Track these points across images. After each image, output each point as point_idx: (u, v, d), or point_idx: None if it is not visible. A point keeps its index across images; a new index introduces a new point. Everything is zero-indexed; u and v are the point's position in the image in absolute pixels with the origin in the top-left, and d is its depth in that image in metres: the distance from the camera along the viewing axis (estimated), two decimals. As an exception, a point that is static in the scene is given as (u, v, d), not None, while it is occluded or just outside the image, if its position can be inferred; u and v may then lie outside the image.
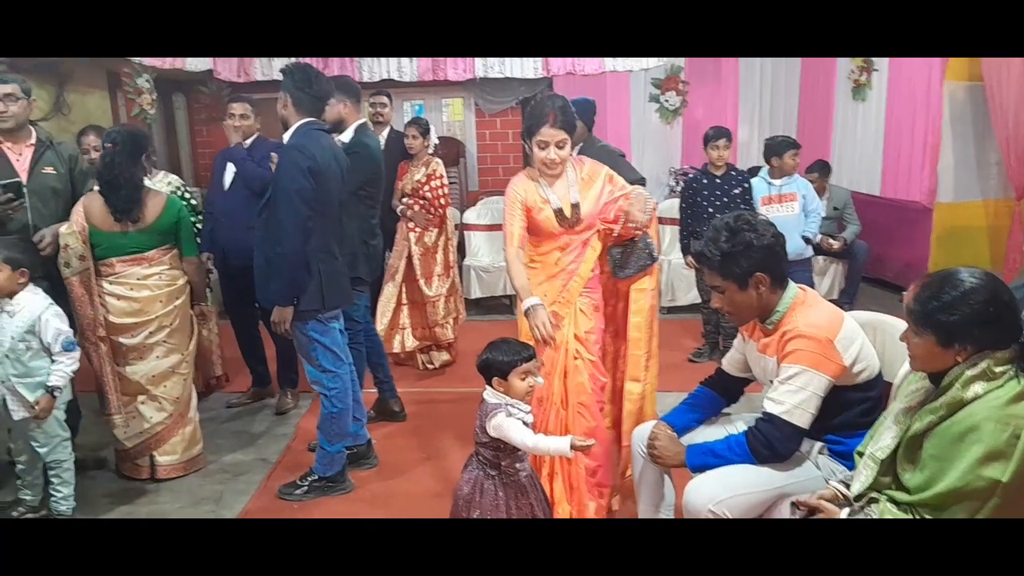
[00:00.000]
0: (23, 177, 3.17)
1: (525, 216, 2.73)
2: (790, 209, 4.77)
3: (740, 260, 2.01)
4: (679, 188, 6.84)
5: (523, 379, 2.29)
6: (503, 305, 6.22)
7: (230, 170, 4.07)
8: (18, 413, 2.80)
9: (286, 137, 3.05)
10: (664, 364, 2.99)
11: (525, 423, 2.26)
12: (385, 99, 4.90)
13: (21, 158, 3.22)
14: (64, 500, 2.94)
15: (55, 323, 2.80)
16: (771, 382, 2.07)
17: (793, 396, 1.99)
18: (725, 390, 2.39)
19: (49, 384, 2.78)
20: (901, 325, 2.17)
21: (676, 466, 2.22)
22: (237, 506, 3.22)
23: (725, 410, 2.43)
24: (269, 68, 7.17)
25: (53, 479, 2.93)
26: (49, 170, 3.23)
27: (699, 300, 5.09)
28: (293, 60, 3.32)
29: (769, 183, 4.80)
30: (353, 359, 3.40)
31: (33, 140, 3.25)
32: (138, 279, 3.24)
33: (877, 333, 2.24)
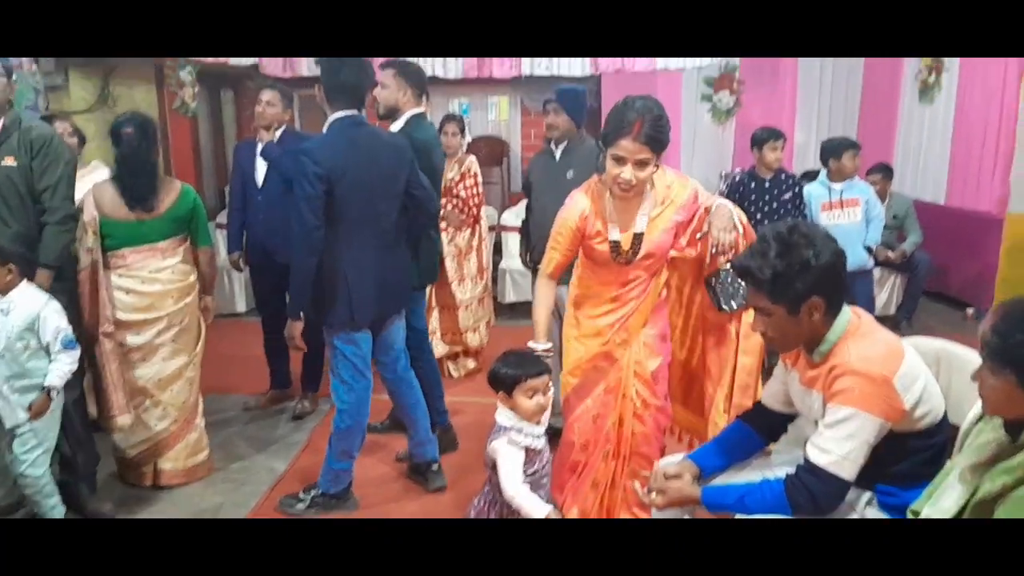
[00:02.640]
0: None
1: (576, 242, 2.39)
2: (852, 216, 4.46)
3: (794, 282, 1.71)
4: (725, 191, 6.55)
5: (530, 397, 2.10)
6: (521, 312, 6.01)
7: (262, 165, 3.96)
8: (10, 419, 2.63)
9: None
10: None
11: (533, 448, 2.07)
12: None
13: None
14: (52, 509, 2.75)
15: (55, 319, 2.66)
16: (816, 423, 1.80)
17: (842, 444, 1.70)
18: (765, 427, 2.05)
19: (46, 384, 2.64)
20: (972, 357, 1.90)
21: (680, 504, 1.93)
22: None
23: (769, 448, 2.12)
24: (315, 65, 7.12)
25: (35, 496, 2.70)
26: (8, 161, 2.81)
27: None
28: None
29: (829, 187, 4.50)
30: (424, 371, 3.32)
31: (0, 124, 2.83)
32: (150, 272, 3.11)
33: (942, 365, 1.96)
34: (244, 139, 4.18)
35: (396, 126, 3.39)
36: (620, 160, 2.21)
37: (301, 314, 2.87)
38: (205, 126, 7.38)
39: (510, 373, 2.13)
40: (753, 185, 4.41)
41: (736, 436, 2.07)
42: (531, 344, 2.37)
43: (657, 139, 2.20)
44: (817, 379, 1.79)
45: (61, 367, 2.67)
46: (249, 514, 3.11)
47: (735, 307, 2.42)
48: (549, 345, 2.38)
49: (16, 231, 2.82)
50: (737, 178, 4.60)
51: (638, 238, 2.32)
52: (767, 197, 4.37)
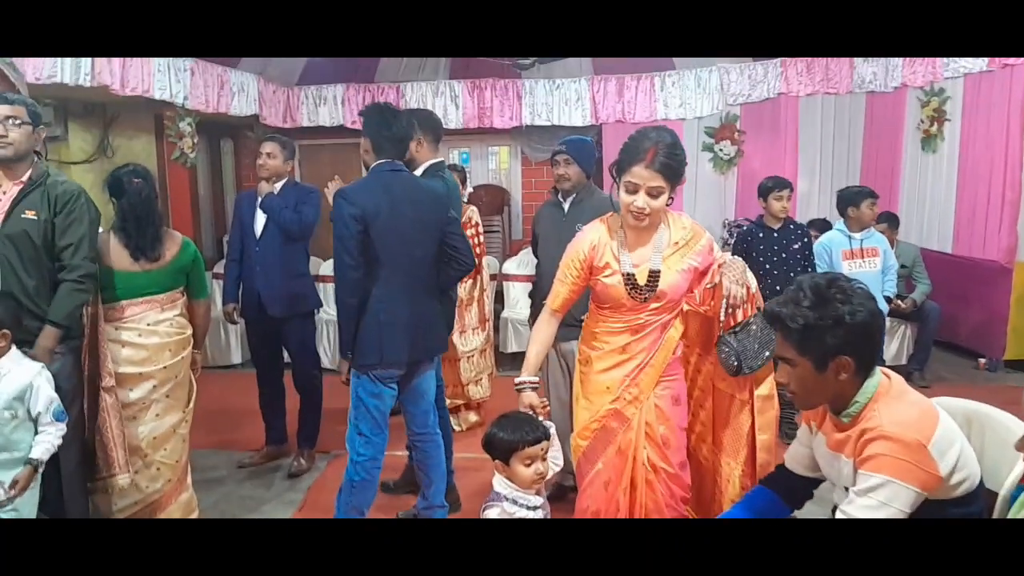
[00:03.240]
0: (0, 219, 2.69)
1: (584, 277, 2.29)
2: (872, 265, 4.39)
3: (825, 336, 1.62)
4: (733, 241, 6.49)
5: (527, 465, 1.97)
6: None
7: (261, 217, 3.90)
8: None
9: None
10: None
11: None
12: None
13: (5, 196, 2.73)
14: None
15: (47, 389, 2.51)
16: (846, 489, 1.68)
17: (874, 512, 1.57)
18: (789, 492, 1.93)
19: (33, 457, 2.46)
20: (1005, 419, 1.79)
21: None
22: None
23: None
24: (315, 114, 7.14)
25: None
26: (30, 214, 2.69)
27: None
28: (370, 102, 3.18)
29: (849, 236, 4.43)
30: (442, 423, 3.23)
31: (27, 176, 2.73)
32: (148, 324, 3.00)
33: (973, 427, 1.85)
34: (245, 190, 4.13)
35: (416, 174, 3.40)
36: (633, 188, 2.16)
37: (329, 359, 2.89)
38: (204, 176, 7.36)
39: (506, 439, 2.00)
40: (762, 235, 4.34)
41: (759, 503, 1.94)
42: (517, 380, 2.29)
43: (671, 168, 2.14)
44: (846, 443, 1.67)
45: (50, 439, 2.50)
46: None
47: (752, 369, 2.27)
48: (536, 379, 2.30)
49: (25, 286, 2.69)
50: (745, 228, 4.53)
51: (654, 275, 2.22)
52: (776, 247, 4.29)
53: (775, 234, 4.31)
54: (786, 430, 4.32)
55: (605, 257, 2.26)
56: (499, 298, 6.28)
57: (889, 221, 5.52)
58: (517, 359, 5.90)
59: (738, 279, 2.22)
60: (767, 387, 2.33)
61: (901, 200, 6.70)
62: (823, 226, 5.53)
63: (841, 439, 1.69)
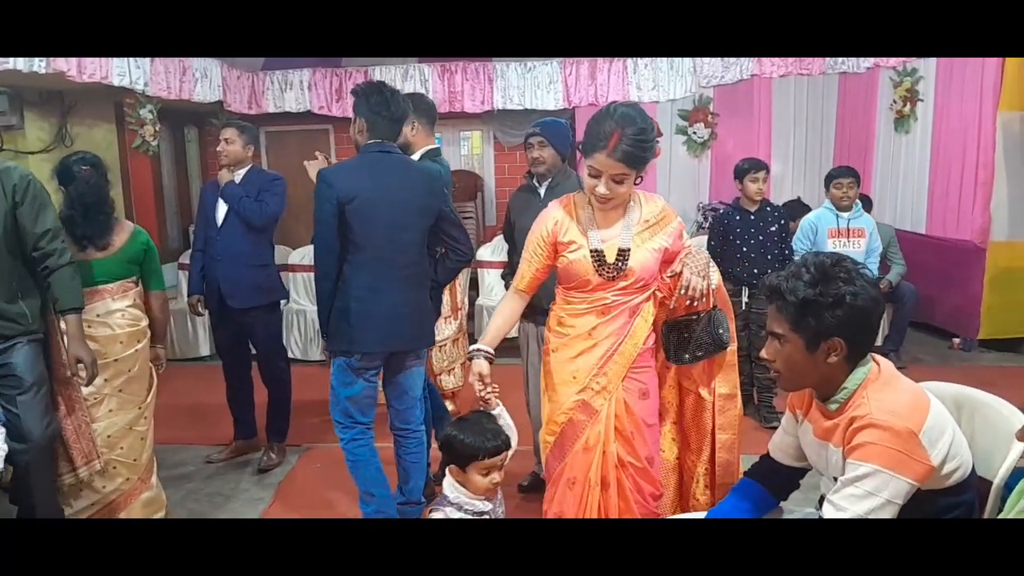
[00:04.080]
0: None
1: (550, 255, 2.21)
2: (857, 246, 4.36)
3: (822, 315, 1.55)
4: (708, 224, 6.44)
5: (484, 475, 1.90)
6: (517, 348, 5.79)
7: (222, 206, 3.76)
8: None
9: None
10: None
11: None
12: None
13: None
14: None
15: None
16: (835, 479, 1.62)
17: (862, 503, 1.51)
18: (775, 483, 1.85)
19: None
20: (995, 403, 1.74)
21: None
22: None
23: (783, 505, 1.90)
24: (281, 100, 6.94)
25: None
26: None
27: None
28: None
29: (837, 215, 4.39)
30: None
31: None
32: (97, 315, 2.89)
33: (963, 412, 1.79)
34: (211, 179, 3.99)
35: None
36: (595, 173, 2.07)
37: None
38: (168, 165, 7.16)
39: (466, 445, 1.90)
40: (738, 218, 4.28)
41: (743, 494, 1.86)
42: (470, 347, 2.25)
43: (636, 156, 2.03)
44: (834, 431, 1.61)
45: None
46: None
47: (681, 361, 2.21)
48: (490, 349, 2.23)
49: None
50: (721, 211, 4.47)
51: (623, 253, 2.14)
52: (752, 230, 4.24)
53: (752, 216, 4.27)
54: (765, 414, 4.29)
55: (570, 234, 2.17)
56: (473, 285, 6.17)
57: (864, 202, 5.50)
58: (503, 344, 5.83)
59: (700, 271, 2.13)
60: (728, 386, 2.27)
61: (875, 181, 6.69)
62: (799, 208, 5.49)
63: (829, 427, 1.63)
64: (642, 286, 2.17)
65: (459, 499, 1.91)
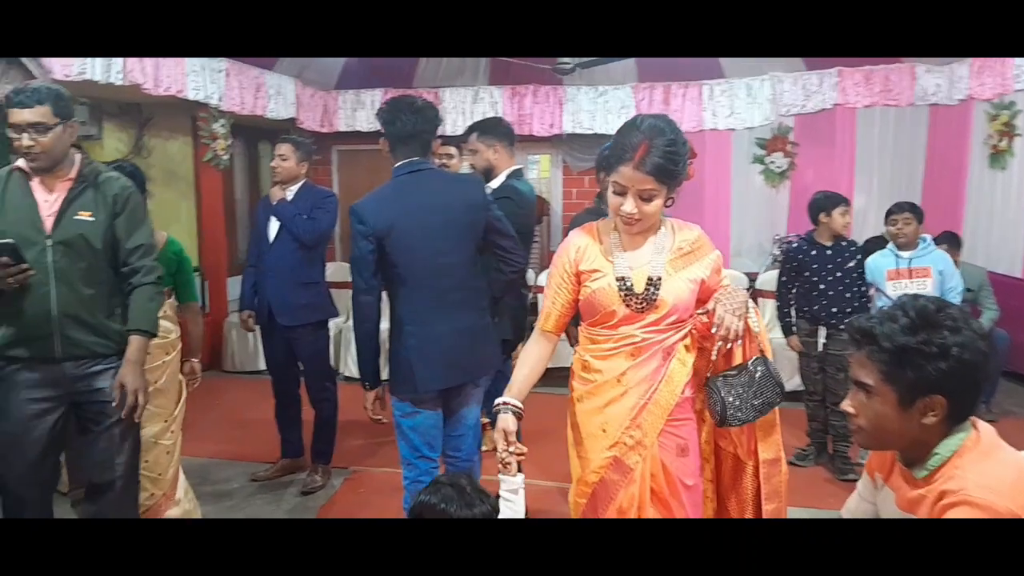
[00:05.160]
0: (48, 224, 2.39)
1: (574, 289, 1.99)
2: (921, 287, 3.99)
3: (922, 367, 1.31)
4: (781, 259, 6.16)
5: None
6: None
7: (274, 223, 3.74)
8: None
9: None
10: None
11: None
12: (453, 150, 4.44)
13: (51, 198, 2.42)
14: None
15: None
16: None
17: None
18: None
19: None
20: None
21: None
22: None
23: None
24: (353, 119, 7.00)
25: None
26: (84, 215, 2.42)
27: (802, 388, 4.33)
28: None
29: (897, 255, 4.06)
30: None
31: (73, 174, 2.44)
32: None
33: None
34: (265, 195, 3.98)
35: (495, 183, 3.26)
36: (620, 190, 1.85)
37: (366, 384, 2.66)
38: (241, 179, 7.27)
39: (451, 517, 1.60)
40: (814, 253, 4.02)
41: None
42: (497, 400, 1.99)
43: (666, 169, 1.81)
44: (920, 503, 1.37)
45: None
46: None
47: (741, 421, 1.92)
48: (518, 403, 1.97)
49: (82, 299, 2.42)
50: (795, 245, 4.20)
51: (654, 282, 1.91)
52: (830, 266, 3.97)
53: (828, 251, 4.00)
54: (840, 465, 3.99)
55: (593, 261, 1.96)
56: (533, 310, 6.02)
57: (949, 241, 5.12)
58: (552, 374, 5.64)
59: (735, 310, 1.88)
60: (773, 450, 1.99)
61: (966, 219, 6.28)
62: (880, 245, 5.16)
63: (914, 498, 1.39)
64: (676, 321, 1.93)
65: None
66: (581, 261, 1.97)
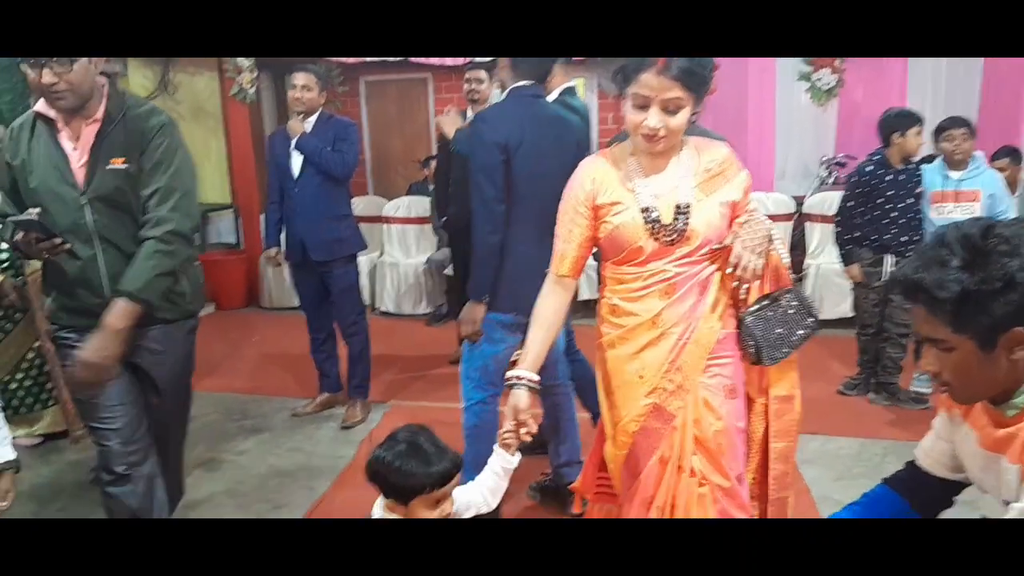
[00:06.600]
0: (79, 178, 2.05)
1: (592, 225, 1.79)
2: (967, 211, 3.73)
3: (991, 306, 1.14)
4: (831, 180, 5.90)
5: (434, 507, 1.51)
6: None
7: (297, 157, 3.62)
8: None
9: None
10: (804, 397, 1.94)
11: None
12: (483, 74, 4.20)
13: (79, 147, 2.06)
14: None
15: None
16: (1006, 503, 1.26)
17: None
18: (920, 498, 1.46)
19: (9, 459, 1.89)
20: None
21: None
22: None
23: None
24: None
25: None
26: (117, 163, 2.05)
27: (847, 316, 4.14)
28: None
29: (945, 176, 3.78)
30: (577, 371, 2.91)
31: (101, 111, 2.05)
32: None
33: None
34: (278, 128, 3.86)
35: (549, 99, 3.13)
36: (642, 102, 1.65)
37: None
38: (270, 113, 7.14)
39: (407, 475, 1.48)
40: (889, 178, 3.74)
41: (879, 507, 1.48)
42: (510, 372, 1.84)
43: (693, 73, 1.61)
44: (1008, 443, 1.24)
45: (6, 432, 1.93)
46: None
47: (776, 358, 1.79)
48: (535, 376, 1.81)
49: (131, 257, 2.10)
50: (868, 168, 3.85)
51: (683, 212, 1.72)
52: (902, 192, 3.70)
53: (901, 176, 3.73)
54: (889, 396, 3.82)
55: (612, 192, 1.76)
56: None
57: (1012, 156, 4.80)
58: (591, 306, 5.52)
59: (755, 246, 1.72)
60: (786, 386, 1.86)
61: (1028, 134, 5.93)
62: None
63: (1002, 437, 1.25)
64: (710, 252, 1.75)
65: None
66: (598, 193, 1.77)
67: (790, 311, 1.79)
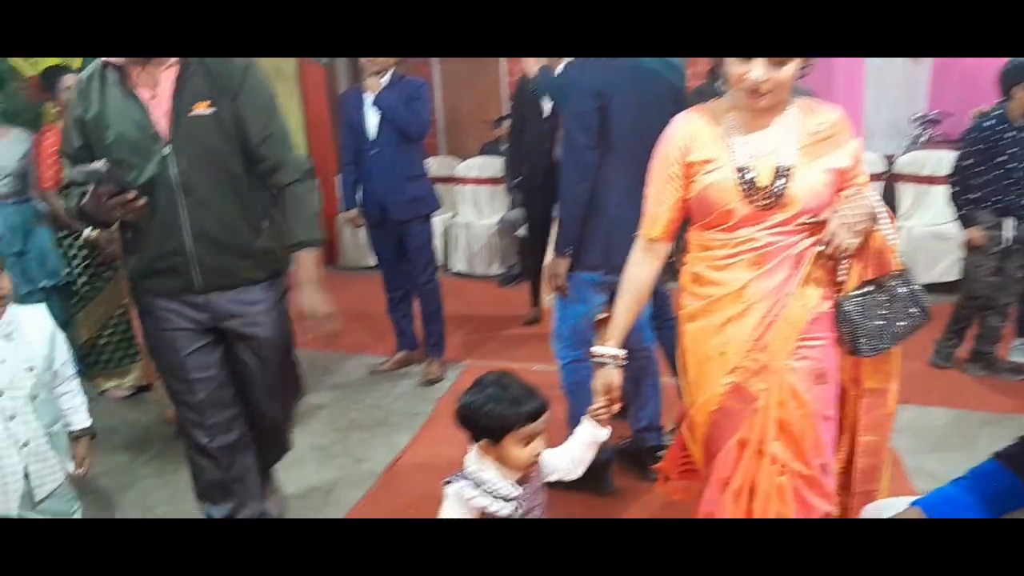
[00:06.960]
0: (162, 127, 1.91)
1: (684, 185, 1.67)
2: None
3: None
4: (924, 138, 5.60)
5: (525, 444, 1.52)
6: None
7: (372, 117, 3.62)
8: (54, 478, 1.82)
9: None
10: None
11: (492, 513, 1.53)
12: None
13: (157, 94, 1.91)
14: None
15: (62, 337, 1.92)
16: None
17: None
18: None
19: (86, 426, 1.94)
20: None
21: None
22: (346, 502, 2.76)
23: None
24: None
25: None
26: (201, 108, 1.91)
27: (944, 279, 3.85)
28: None
29: (1017, 132, 3.45)
30: (668, 337, 2.83)
31: (175, 58, 1.91)
32: None
33: None
34: (350, 88, 3.86)
35: None
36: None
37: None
38: (344, 74, 7.17)
39: (497, 416, 1.51)
40: (1011, 135, 3.41)
41: (988, 483, 1.38)
42: (596, 349, 1.77)
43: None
44: None
45: (82, 397, 1.95)
46: (363, 496, 2.80)
47: (878, 349, 1.66)
48: (623, 352, 1.74)
49: (221, 216, 1.99)
50: (987, 123, 3.54)
51: (784, 175, 1.59)
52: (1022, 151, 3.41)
53: (1023, 133, 3.46)
54: (986, 366, 3.60)
55: (706, 148, 1.64)
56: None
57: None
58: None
59: (853, 224, 1.58)
60: (880, 380, 1.73)
61: None
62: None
63: None
64: (808, 223, 1.61)
65: (482, 476, 1.54)
66: (691, 150, 1.65)
67: (895, 299, 1.65)
